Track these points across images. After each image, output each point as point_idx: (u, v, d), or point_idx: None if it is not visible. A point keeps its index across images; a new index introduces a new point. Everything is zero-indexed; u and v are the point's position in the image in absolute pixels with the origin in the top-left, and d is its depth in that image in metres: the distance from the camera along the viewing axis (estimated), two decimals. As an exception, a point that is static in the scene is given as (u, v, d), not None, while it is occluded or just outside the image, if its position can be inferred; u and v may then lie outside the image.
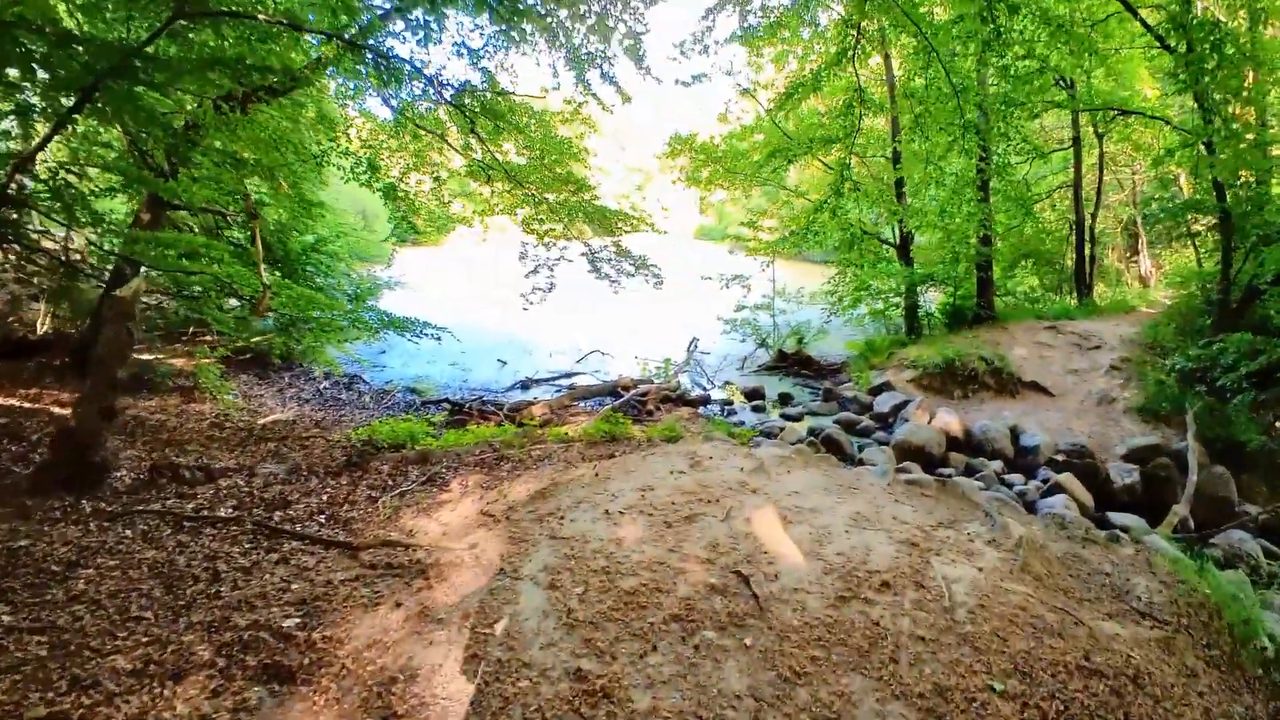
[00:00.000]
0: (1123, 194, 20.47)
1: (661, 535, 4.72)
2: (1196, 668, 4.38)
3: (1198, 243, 14.84)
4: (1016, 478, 9.30)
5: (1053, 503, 8.26)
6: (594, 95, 11.42)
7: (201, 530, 5.42)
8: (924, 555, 4.72)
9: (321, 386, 12.12)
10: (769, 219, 19.18)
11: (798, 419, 11.76)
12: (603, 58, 10.89)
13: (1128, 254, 21.38)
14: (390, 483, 6.97)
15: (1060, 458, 9.47)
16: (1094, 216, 16.74)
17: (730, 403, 12.63)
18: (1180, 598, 5.09)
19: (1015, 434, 10.25)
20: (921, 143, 11.01)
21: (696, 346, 16.09)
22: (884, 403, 11.73)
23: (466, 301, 21.10)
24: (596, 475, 5.84)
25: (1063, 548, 5.71)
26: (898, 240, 15.55)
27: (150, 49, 6.96)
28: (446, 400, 11.63)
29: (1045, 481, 8.98)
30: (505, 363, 14.81)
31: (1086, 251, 16.25)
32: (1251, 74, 10.09)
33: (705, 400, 12.60)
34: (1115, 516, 8.13)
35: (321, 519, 5.99)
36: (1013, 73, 9.80)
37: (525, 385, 13.21)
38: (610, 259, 11.68)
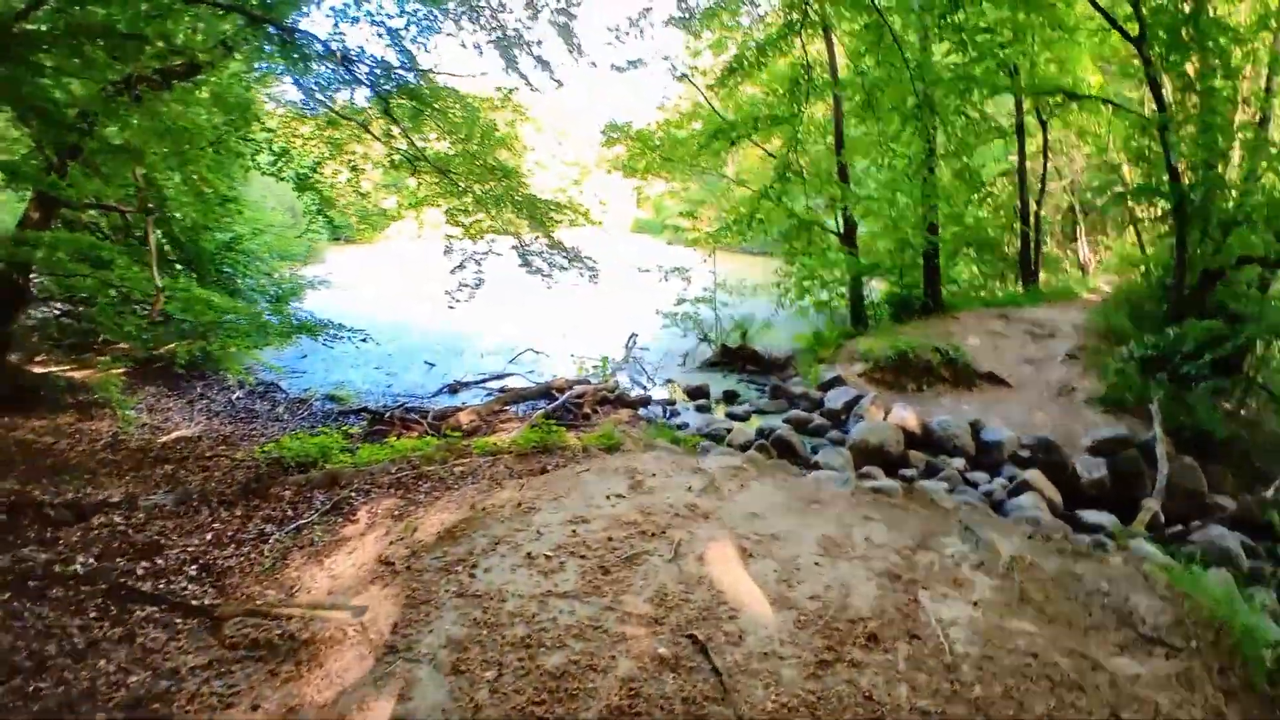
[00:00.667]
0: (1062, 181, 20.41)
1: (597, 585, 3.82)
2: (1219, 703, 3.88)
3: (1141, 229, 14.69)
4: (981, 476, 8.76)
5: (1021, 503, 7.76)
6: (522, 75, 10.55)
7: (46, 592, 4.42)
8: (910, 591, 3.99)
9: (235, 397, 10.94)
10: (708, 209, 18.41)
11: (745, 419, 11.05)
12: (530, 37, 10.05)
13: (1067, 241, 21.41)
14: (290, 512, 6.08)
15: (1025, 453, 8.99)
16: (1039, 203, 16.51)
17: (673, 402, 11.85)
18: (1185, 616, 4.62)
19: (976, 429, 9.70)
20: (872, 124, 10.39)
21: (635, 343, 15.23)
22: (835, 399, 11.06)
23: (398, 300, 19.87)
24: (519, 506, 4.90)
25: (1054, 565, 5.09)
26: (842, 228, 14.99)
27: (31, 27, 6.09)
28: (366, 409, 10.56)
29: (1011, 479, 8.44)
30: (433, 365, 13.73)
31: (1031, 238, 16.01)
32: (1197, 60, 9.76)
33: (646, 400, 11.78)
34: (1087, 515, 7.69)
35: (193, 570, 5.01)
36: (970, 51, 9.15)
37: (454, 389, 12.18)
38: (542, 252, 10.77)
